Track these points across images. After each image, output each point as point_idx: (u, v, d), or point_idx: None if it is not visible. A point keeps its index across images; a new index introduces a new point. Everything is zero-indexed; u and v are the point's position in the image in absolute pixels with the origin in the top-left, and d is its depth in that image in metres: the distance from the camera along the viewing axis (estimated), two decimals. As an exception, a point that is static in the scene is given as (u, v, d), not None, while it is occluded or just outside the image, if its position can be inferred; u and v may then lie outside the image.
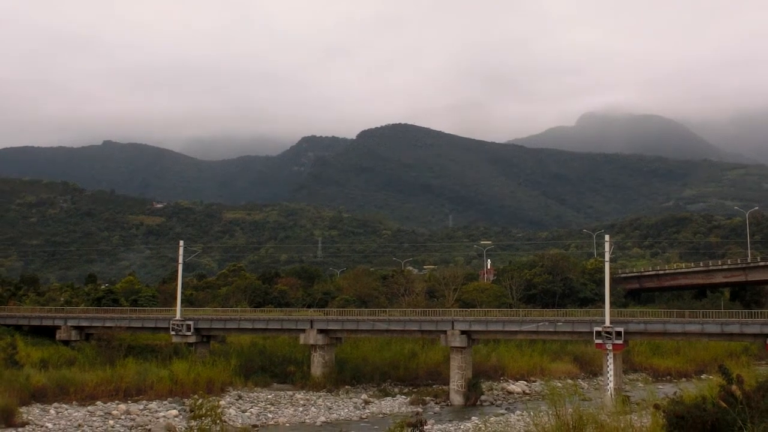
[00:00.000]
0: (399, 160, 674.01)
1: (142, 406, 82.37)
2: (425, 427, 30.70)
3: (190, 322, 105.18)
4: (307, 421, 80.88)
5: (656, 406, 24.48)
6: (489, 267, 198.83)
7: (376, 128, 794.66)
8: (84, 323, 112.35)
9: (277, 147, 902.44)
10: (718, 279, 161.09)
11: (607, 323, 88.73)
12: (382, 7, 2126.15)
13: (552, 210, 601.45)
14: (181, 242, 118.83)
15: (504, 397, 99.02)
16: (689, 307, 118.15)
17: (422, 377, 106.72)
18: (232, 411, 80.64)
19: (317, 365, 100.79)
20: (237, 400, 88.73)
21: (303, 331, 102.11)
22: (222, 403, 71.68)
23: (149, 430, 73.17)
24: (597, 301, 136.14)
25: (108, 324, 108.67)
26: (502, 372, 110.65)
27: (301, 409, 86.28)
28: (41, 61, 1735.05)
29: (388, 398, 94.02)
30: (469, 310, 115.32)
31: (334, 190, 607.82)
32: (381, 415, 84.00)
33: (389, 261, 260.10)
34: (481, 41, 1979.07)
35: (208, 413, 36.43)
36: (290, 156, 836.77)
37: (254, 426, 71.52)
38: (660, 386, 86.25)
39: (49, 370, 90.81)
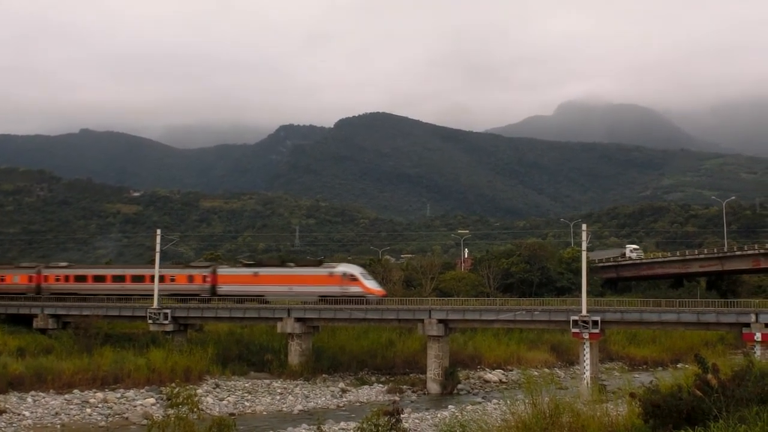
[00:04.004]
0: (377, 149, 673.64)
1: (119, 395, 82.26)
2: (402, 415, 30.84)
3: (168, 311, 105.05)
4: (284, 409, 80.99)
5: (632, 395, 24.66)
6: (466, 256, 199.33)
7: (354, 117, 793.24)
8: (61, 311, 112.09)
9: (254, 135, 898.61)
10: (695, 268, 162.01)
11: (584, 312, 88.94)
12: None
13: (529, 199, 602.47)
14: (159, 230, 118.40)
15: (481, 386, 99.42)
16: (666, 297, 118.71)
17: (399, 366, 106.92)
18: (209, 399, 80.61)
19: (294, 354, 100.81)
20: (214, 388, 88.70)
21: (280, 319, 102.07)
22: (199, 391, 71.65)
23: (126, 418, 73.21)
24: (574, 290, 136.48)
25: (85, 312, 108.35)
26: (479, 361, 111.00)
27: (278, 397, 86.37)
28: (18, 49, 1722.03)
29: (366, 387, 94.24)
30: (446, 299, 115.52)
31: (311, 179, 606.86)
32: (358, 404, 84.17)
33: (367, 250, 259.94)
34: (459, 30, 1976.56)
35: (186, 401, 36.42)
36: (268, 144, 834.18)
37: (231, 414, 71.44)
38: (636, 375, 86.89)
39: (26, 359, 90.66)
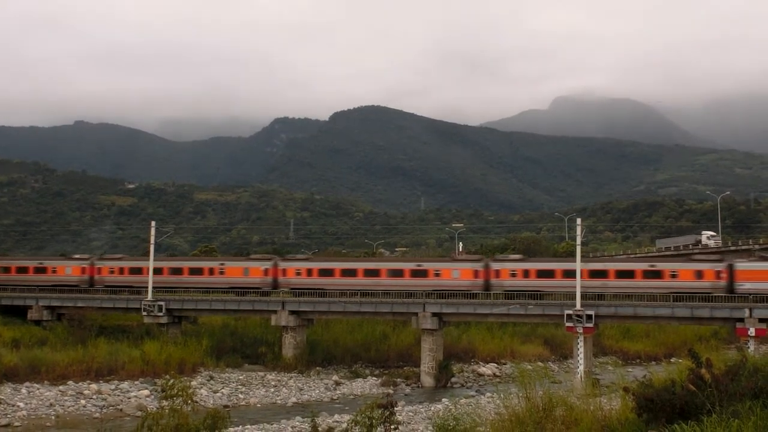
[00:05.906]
0: (372, 142, 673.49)
1: (113, 386, 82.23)
2: (396, 408, 30.83)
3: (162, 303, 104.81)
4: (279, 401, 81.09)
5: (626, 389, 24.70)
6: (461, 250, 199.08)
7: (349, 110, 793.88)
8: (55, 303, 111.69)
9: (249, 128, 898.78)
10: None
11: (578, 306, 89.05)
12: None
13: (524, 193, 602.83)
14: (153, 223, 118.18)
15: (474, 379, 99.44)
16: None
17: (393, 359, 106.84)
18: (203, 391, 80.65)
19: (289, 346, 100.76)
20: (208, 380, 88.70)
21: (274, 312, 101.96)
22: (193, 383, 71.68)
23: (121, 410, 73.18)
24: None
25: (80, 304, 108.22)
26: (472, 354, 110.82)
27: (272, 389, 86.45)
28: (12, 41, 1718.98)
29: (359, 380, 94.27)
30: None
31: (306, 172, 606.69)
32: (352, 397, 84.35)
33: (361, 243, 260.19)
34: (455, 23, 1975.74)
35: (180, 393, 36.38)
36: (262, 137, 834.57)
37: (225, 406, 71.42)
38: (630, 369, 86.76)
39: (21, 350, 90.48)
